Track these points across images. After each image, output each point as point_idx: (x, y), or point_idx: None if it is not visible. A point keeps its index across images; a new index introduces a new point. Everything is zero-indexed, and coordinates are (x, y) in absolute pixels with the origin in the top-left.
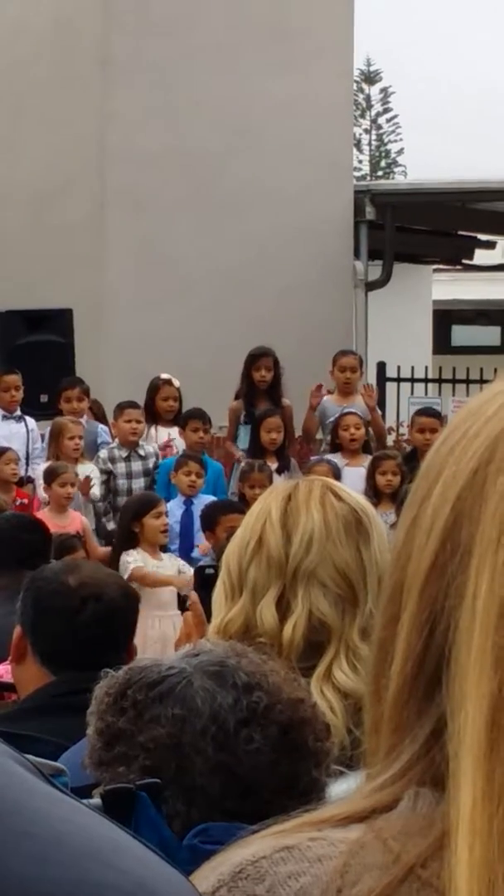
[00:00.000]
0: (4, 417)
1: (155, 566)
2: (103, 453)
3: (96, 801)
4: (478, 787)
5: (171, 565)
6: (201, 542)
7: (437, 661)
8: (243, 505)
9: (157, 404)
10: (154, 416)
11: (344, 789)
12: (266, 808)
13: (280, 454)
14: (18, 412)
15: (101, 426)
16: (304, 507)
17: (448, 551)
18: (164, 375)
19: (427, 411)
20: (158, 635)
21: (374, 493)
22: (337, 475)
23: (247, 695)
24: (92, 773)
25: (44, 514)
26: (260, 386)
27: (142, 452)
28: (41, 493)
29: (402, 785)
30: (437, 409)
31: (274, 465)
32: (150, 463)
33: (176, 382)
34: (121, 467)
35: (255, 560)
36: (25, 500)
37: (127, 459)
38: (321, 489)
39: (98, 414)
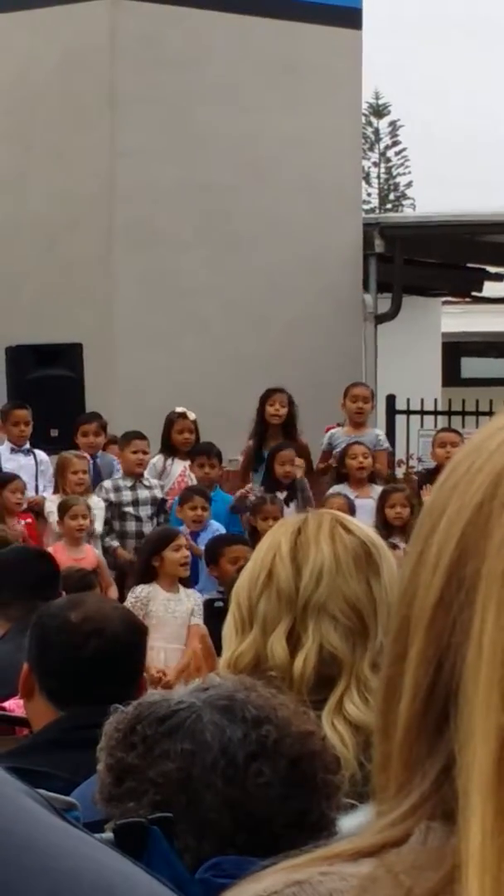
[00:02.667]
0: (13, 451)
1: (166, 599)
2: (107, 483)
3: (108, 835)
4: (487, 821)
5: (186, 600)
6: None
7: (446, 696)
8: (250, 538)
9: (173, 438)
10: (171, 449)
11: (355, 822)
12: (276, 841)
13: (289, 486)
14: (27, 446)
15: (116, 460)
16: (314, 541)
17: (454, 587)
18: (179, 409)
19: (447, 429)
20: (163, 666)
21: (384, 525)
22: (352, 509)
23: (256, 729)
24: (102, 808)
25: (58, 548)
26: (272, 421)
27: (147, 483)
28: (54, 525)
29: (414, 821)
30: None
31: (282, 495)
32: (157, 491)
33: (192, 416)
34: (127, 496)
35: (265, 594)
36: (30, 520)
37: (132, 488)
38: (331, 522)
39: (110, 444)
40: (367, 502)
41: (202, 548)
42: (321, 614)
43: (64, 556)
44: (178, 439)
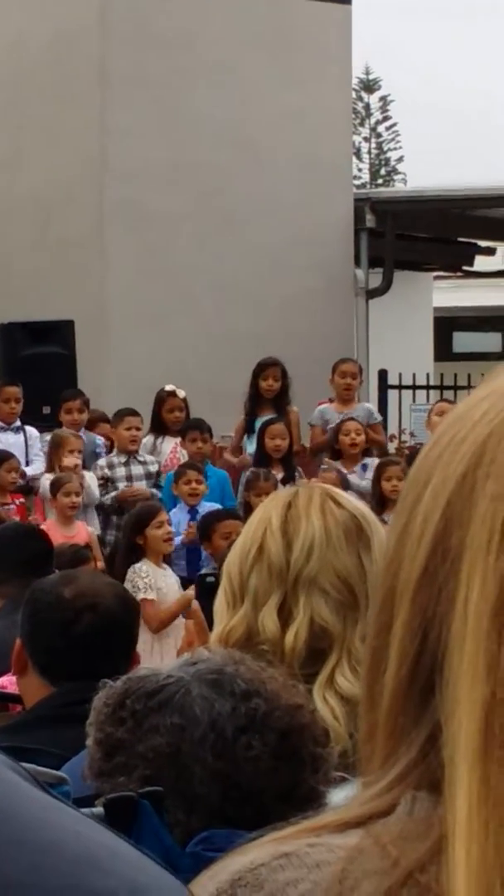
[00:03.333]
0: (2, 429)
1: (162, 576)
2: (102, 461)
3: (98, 809)
4: (473, 790)
5: (168, 579)
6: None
7: (431, 667)
8: (243, 513)
9: (164, 416)
10: (161, 427)
11: (345, 795)
12: (266, 814)
13: (286, 464)
14: (17, 423)
15: (99, 437)
16: (305, 515)
17: (439, 557)
18: (169, 387)
19: (445, 400)
20: (157, 648)
21: (380, 499)
22: (345, 483)
23: (245, 702)
24: (92, 783)
25: (50, 525)
26: (266, 395)
27: (141, 458)
28: (46, 501)
29: (400, 790)
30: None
31: (280, 475)
32: (151, 467)
33: (181, 393)
34: (120, 471)
35: (256, 568)
36: (22, 500)
37: (126, 464)
38: (321, 496)
39: (100, 421)
40: (352, 477)
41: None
42: (312, 588)
43: (56, 533)
44: (169, 417)
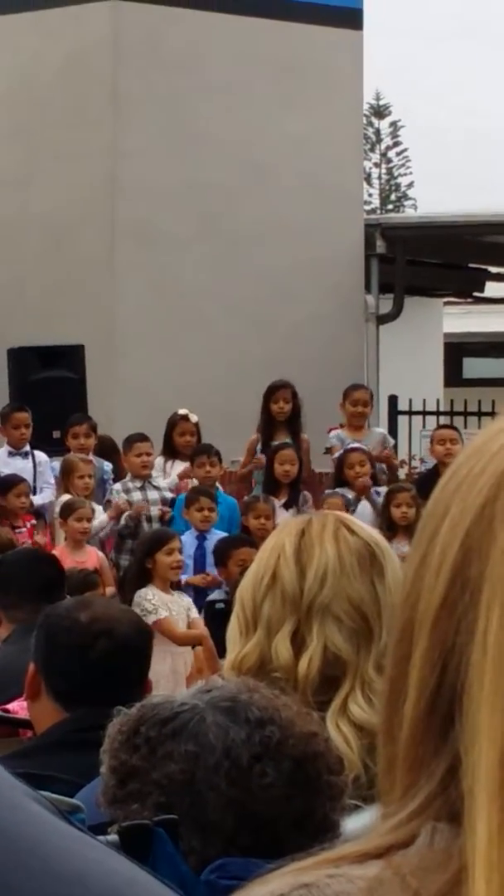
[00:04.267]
0: (11, 454)
1: (168, 601)
2: (118, 485)
3: (113, 837)
4: (493, 821)
5: (181, 600)
6: (213, 576)
7: (451, 698)
8: (254, 539)
9: (175, 439)
10: (172, 450)
11: (360, 824)
12: (280, 842)
13: (292, 489)
14: (26, 448)
15: (107, 463)
16: (318, 542)
17: (458, 588)
18: (182, 411)
19: (445, 426)
20: (170, 670)
21: (389, 525)
22: (347, 507)
23: (259, 730)
24: (106, 810)
25: (61, 550)
26: (278, 418)
27: (155, 484)
28: (55, 526)
29: (420, 822)
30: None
31: (282, 500)
32: (167, 494)
33: (193, 418)
34: (136, 496)
35: (269, 595)
36: (33, 522)
37: (142, 489)
38: (335, 523)
39: (110, 448)
40: (367, 506)
41: (209, 549)
42: (325, 615)
43: (67, 558)
44: (180, 441)
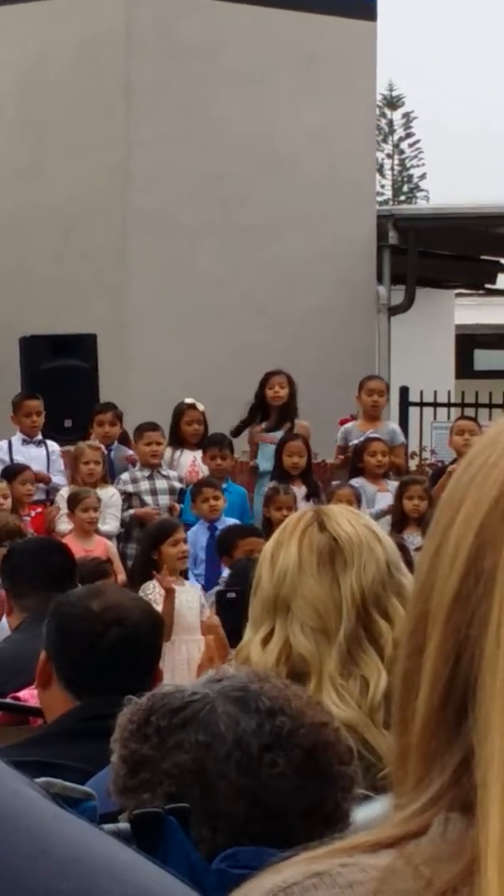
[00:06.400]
0: (24, 442)
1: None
2: (125, 476)
3: (125, 825)
4: None
5: (192, 591)
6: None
7: (464, 689)
8: (264, 528)
9: (182, 428)
10: (179, 440)
11: (370, 813)
12: (291, 832)
13: (306, 479)
14: (39, 436)
15: (130, 451)
16: (287, 541)
17: (472, 580)
18: (189, 400)
19: (465, 417)
20: (185, 658)
21: (401, 517)
22: (359, 499)
23: (270, 719)
24: (116, 800)
25: (69, 539)
26: (274, 403)
27: (164, 473)
28: (63, 517)
29: (433, 813)
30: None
31: (302, 491)
32: (175, 483)
33: (200, 406)
34: (144, 485)
35: (257, 595)
36: (39, 511)
37: (150, 478)
38: (309, 520)
39: (122, 438)
40: (387, 496)
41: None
42: (286, 614)
43: (76, 547)
44: (187, 430)
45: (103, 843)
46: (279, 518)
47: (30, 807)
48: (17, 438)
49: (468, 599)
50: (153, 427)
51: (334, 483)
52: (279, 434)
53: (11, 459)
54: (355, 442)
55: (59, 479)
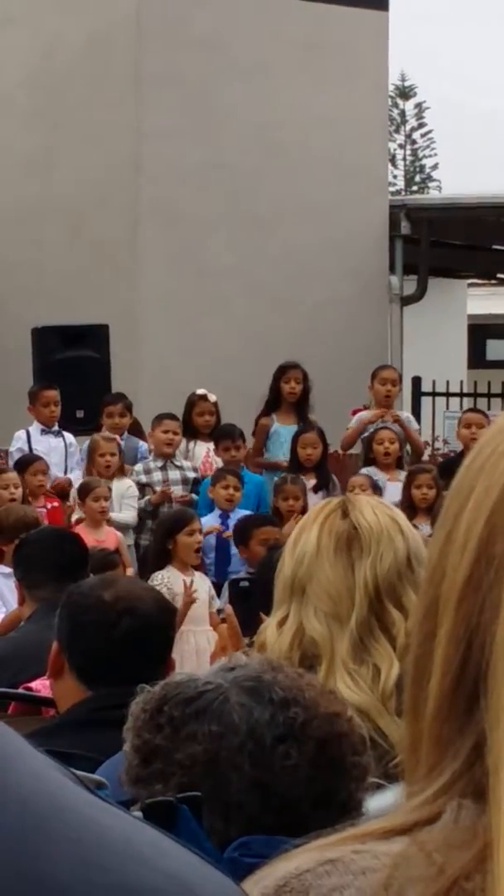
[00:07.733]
0: (43, 432)
1: (186, 582)
2: (138, 466)
3: (137, 814)
4: None
5: (203, 581)
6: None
7: (476, 675)
8: (275, 519)
9: (194, 420)
10: (192, 431)
11: (383, 803)
12: (304, 822)
13: (319, 472)
14: (56, 427)
15: (142, 442)
16: (308, 527)
17: (483, 566)
18: (200, 391)
19: (472, 410)
20: (193, 649)
21: (410, 506)
22: (375, 488)
23: (283, 710)
24: (129, 789)
25: (80, 529)
26: (289, 398)
27: (178, 463)
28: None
29: (445, 799)
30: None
31: (311, 483)
32: (189, 473)
33: (212, 397)
34: (157, 476)
35: (279, 579)
36: (55, 504)
37: (163, 468)
38: (334, 507)
39: (134, 429)
40: (398, 486)
41: (230, 529)
42: (301, 598)
43: (87, 537)
44: (199, 421)
45: (133, 829)
46: (287, 507)
47: (62, 792)
48: (34, 428)
49: (479, 585)
50: (172, 417)
51: (356, 475)
52: (275, 459)
53: (31, 449)
54: (367, 433)
55: (77, 471)
